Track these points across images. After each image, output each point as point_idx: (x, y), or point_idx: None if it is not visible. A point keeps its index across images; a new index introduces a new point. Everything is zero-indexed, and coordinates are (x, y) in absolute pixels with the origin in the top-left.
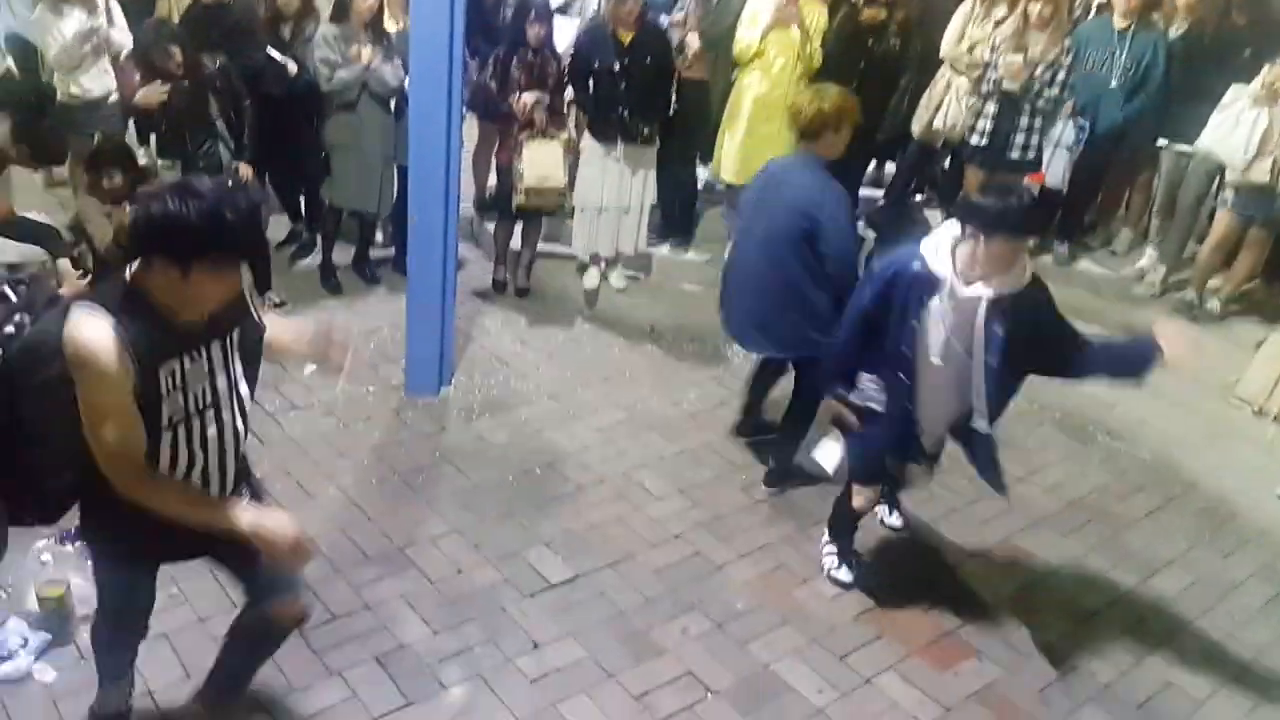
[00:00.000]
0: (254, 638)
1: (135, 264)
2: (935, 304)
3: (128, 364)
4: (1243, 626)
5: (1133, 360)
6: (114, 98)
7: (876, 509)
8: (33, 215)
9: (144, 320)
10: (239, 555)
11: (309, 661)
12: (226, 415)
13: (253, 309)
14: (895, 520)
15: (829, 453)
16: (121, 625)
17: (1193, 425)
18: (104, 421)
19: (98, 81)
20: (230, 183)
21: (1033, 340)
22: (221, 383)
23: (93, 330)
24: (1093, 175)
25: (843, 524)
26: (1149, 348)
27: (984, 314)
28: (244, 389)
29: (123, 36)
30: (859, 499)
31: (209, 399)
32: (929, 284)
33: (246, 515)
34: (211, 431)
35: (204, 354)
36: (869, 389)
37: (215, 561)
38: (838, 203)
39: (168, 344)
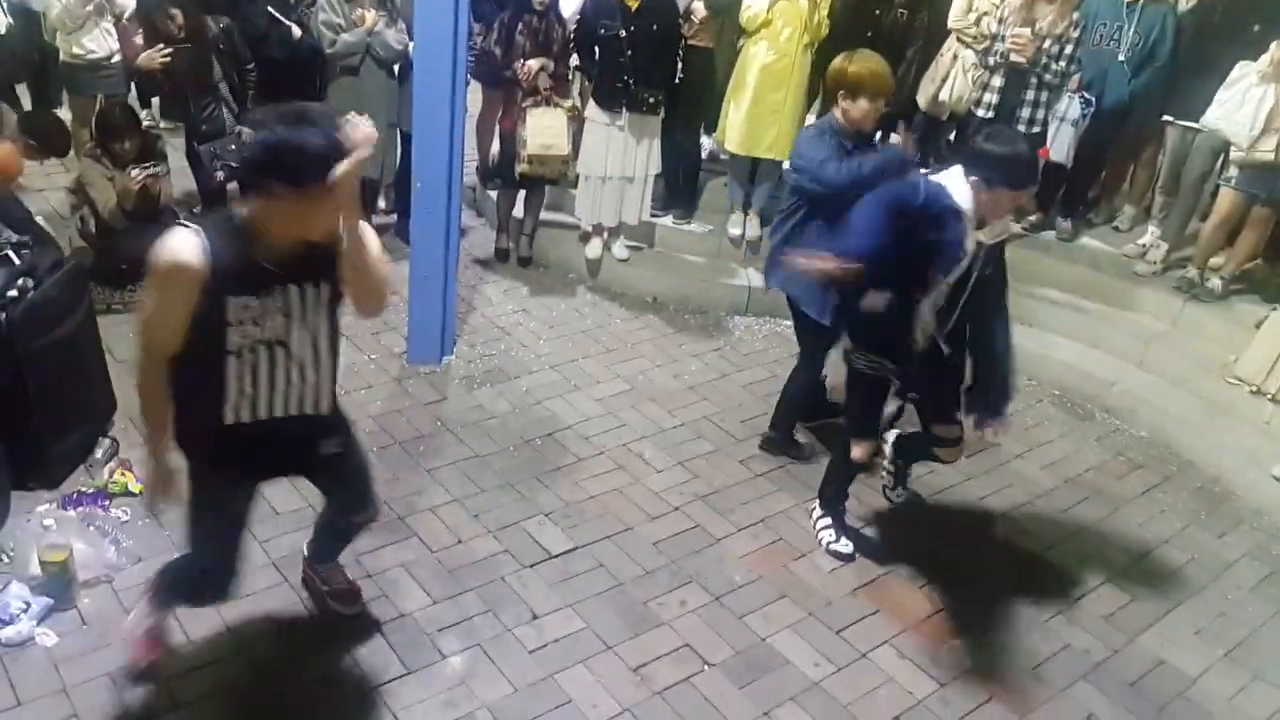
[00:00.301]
0: (337, 533)
1: (246, 198)
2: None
3: (204, 277)
4: (1236, 605)
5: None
6: (116, 58)
7: (883, 478)
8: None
9: (234, 250)
10: (330, 477)
11: (312, 627)
12: (297, 358)
13: (337, 267)
14: (898, 495)
15: None
16: (205, 577)
17: (1191, 404)
18: (150, 315)
19: (100, 42)
20: (233, 145)
21: (986, 291)
22: (296, 328)
23: (182, 241)
24: (1097, 151)
25: (837, 490)
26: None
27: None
28: (323, 341)
29: None
30: (858, 450)
31: (280, 338)
32: (963, 219)
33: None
34: (280, 371)
35: (283, 296)
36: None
37: (306, 478)
38: (806, 140)
39: (249, 276)
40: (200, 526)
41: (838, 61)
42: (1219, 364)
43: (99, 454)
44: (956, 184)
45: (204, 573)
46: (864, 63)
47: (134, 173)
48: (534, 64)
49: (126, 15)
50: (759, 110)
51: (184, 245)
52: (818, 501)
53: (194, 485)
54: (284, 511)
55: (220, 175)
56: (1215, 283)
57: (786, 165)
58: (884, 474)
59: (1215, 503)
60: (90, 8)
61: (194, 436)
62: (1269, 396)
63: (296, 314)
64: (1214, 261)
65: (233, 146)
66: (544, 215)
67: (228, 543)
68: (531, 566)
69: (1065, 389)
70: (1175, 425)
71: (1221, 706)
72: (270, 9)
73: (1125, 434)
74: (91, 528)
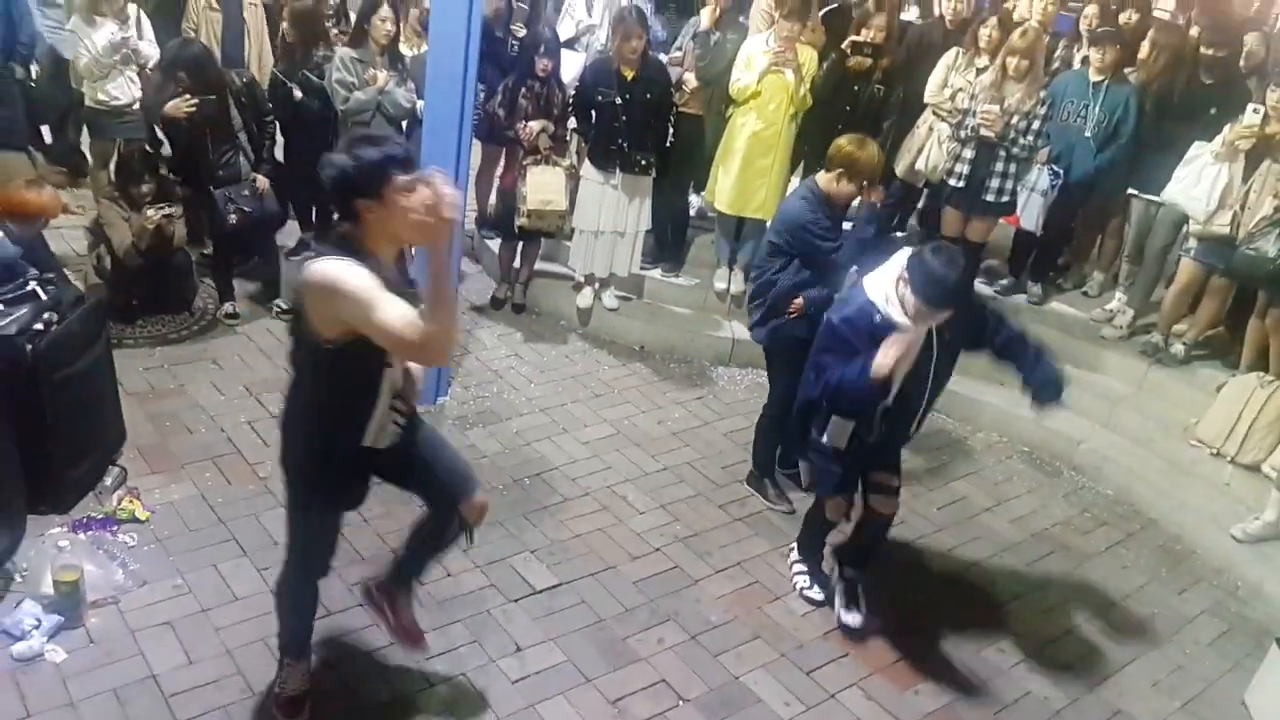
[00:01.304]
0: (439, 536)
1: (339, 223)
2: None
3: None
4: (1194, 659)
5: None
6: (137, 105)
7: (835, 603)
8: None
9: (373, 267)
10: (412, 471)
11: None
12: (398, 369)
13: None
14: (851, 619)
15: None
16: (313, 567)
17: (1154, 465)
18: (377, 310)
19: (124, 90)
20: (246, 191)
21: (970, 330)
22: None
23: (338, 261)
24: (1065, 220)
25: (813, 539)
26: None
27: (932, 334)
28: None
29: (150, 49)
30: (831, 508)
31: None
32: (889, 329)
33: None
34: (396, 381)
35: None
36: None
37: (389, 481)
38: (802, 210)
39: (390, 288)
40: (310, 550)
41: (848, 145)
42: (1181, 426)
43: (108, 481)
44: (886, 293)
45: (309, 575)
46: (871, 153)
47: (150, 213)
48: (535, 125)
49: (150, 65)
50: (748, 174)
51: (342, 261)
52: (795, 547)
53: (311, 511)
54: (282, 541)
55: (233, 219)
56: (1178, 348)
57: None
58: (806, 581)
59: (1176, 560)
60: (117, 58)
61: (327, 461)
62: (1228, 459)
63: None
64: (1177, 328)
65: (246, 192)
66: (538, 265)
67: (332, 546)
68: (517, 601)
69: (1034, 446)
70: (1139, 484)
71: None
72: (276, 71)
73: (1091, 491)
74: (101, 551)
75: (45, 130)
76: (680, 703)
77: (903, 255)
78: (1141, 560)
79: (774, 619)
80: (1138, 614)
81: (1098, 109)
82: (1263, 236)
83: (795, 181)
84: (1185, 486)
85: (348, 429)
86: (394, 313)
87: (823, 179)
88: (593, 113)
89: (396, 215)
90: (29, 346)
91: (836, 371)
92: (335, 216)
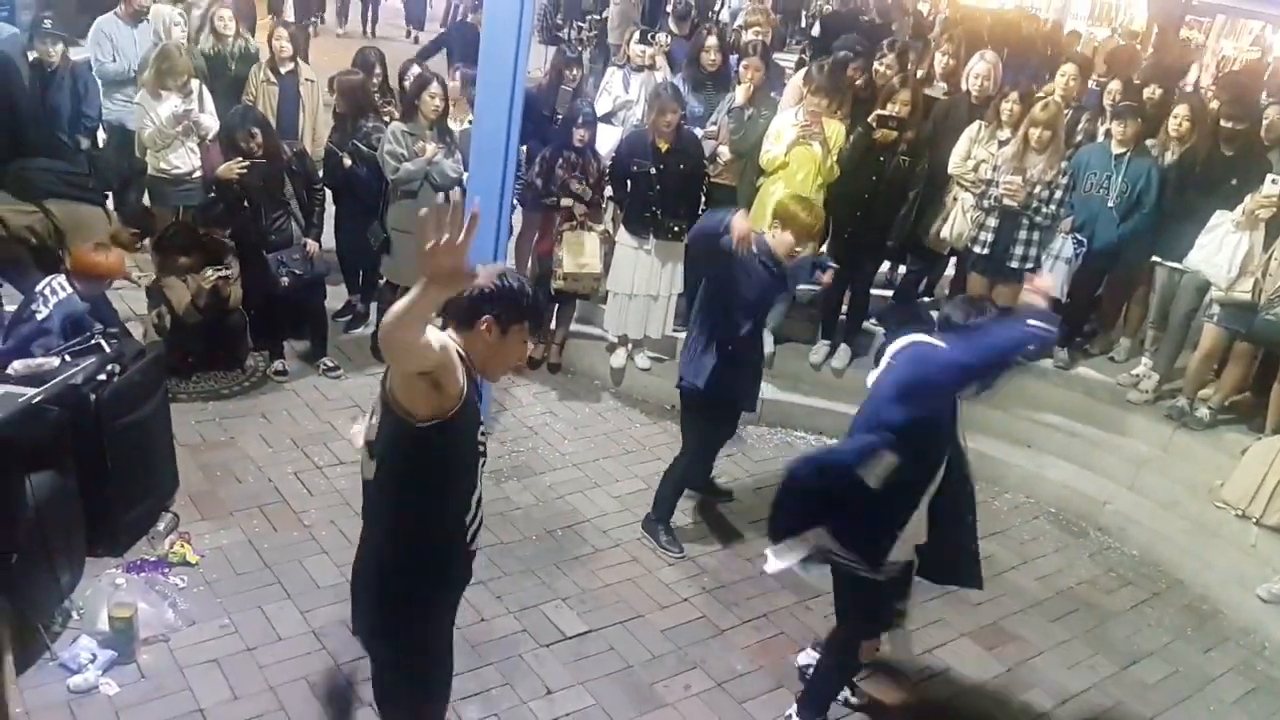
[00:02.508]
0: None
1: (457, 330)
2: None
3: (464, 382)
4: (1218, 717)
5: None
6: (197, 174)
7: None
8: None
9: (469, 370)
10: None
11: (344, 691)
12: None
13: None
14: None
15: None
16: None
17: (1179, 526)
18: (428, 345)
19: (184, 159)
20: (298, 255)
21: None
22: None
23: (445, 337)
24: (1091, 288)
25: (828, 698)
26: None
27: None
28: None
29: (211, 121)
30: (867, 649)
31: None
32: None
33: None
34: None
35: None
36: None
37: None
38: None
39: (476, 388)
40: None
41: (791, 203)
42: (1206, 488)
43: (161, 526)
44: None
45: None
46: (812, 214)
47: (207, 272)
48: (576, 192)
49: (210, 136)
50: None
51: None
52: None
53: (431, 654)
54: (325, 585)
55: (285, 281)
56: (1204, 412)
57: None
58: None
59: (1202, 620)
60: (179, 129)
61: (442, 588)
62: (1254, 520)
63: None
64: (1203, 393)
65: (297, 256)
66: (574, 327)
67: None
68: (548, 646)
69: (1060, 507)
70: (1164, 545)
71: None
72: (330, 143)
73: (1116, 551)
74: (153, 591)
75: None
76: None
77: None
78: (1166, 619)
79: (798, 667)
80: (1161, 671)
81: (1120, 180)
82: None
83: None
84: (1211, 547)
85: (457, 535)
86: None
87: (767, 230)
88: (628, 182)
89: (502, 352)
90: (93, 396)
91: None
92: (449, 314)
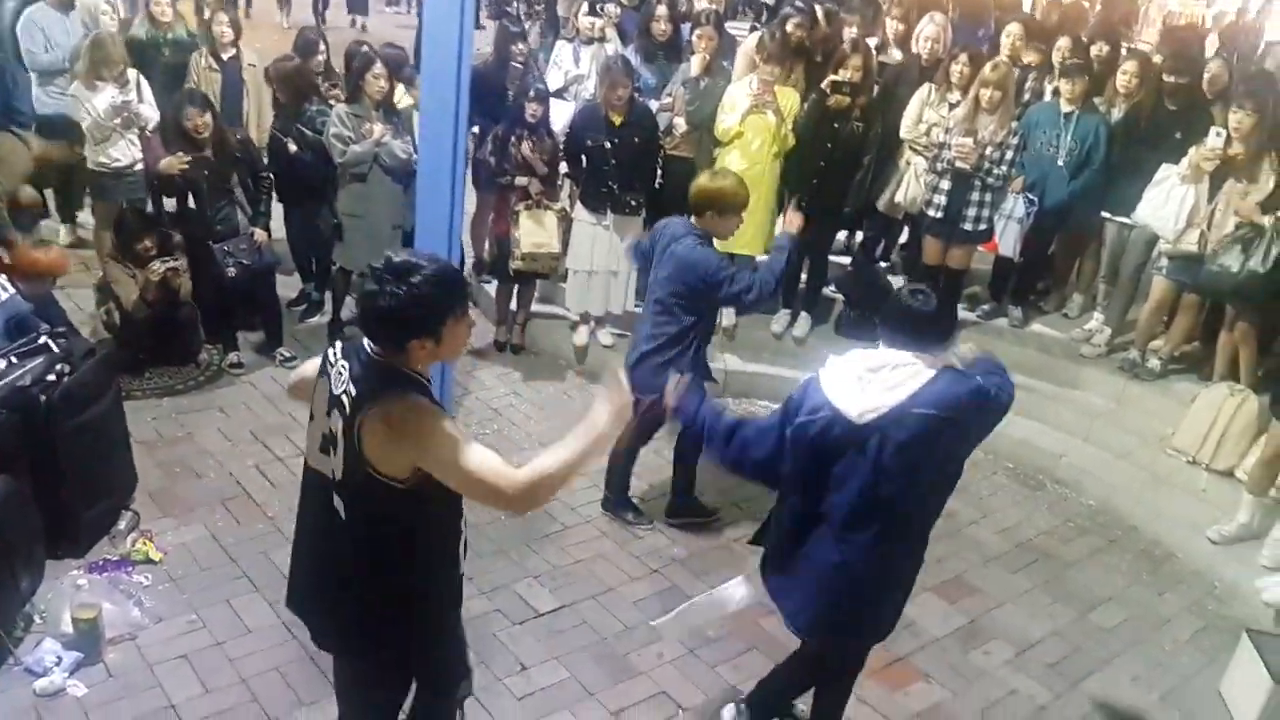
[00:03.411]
0: None
1: (384, 350)
2: None
3: None
4: (1172, 655)
5: None
6: (139, 166)
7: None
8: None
9: (429, 395)
10: None
11: (316, 679)
12: None
13: None
14: None
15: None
16: None
17: (1133, 475)
18: (470, 453)
19: (125, 152)
20: (244, 245)
21: None
22: None
23: (430, 404)
24: (1043, 246)
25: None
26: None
27: None
28: None
29: (150, 111)
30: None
31: None
32: None
33: (601, 420)
34: None
35: None
36: None
37: None
38: (684, 261)
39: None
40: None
41: (705, 182)
42: (1158, 437)
43: (122, 525)
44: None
45: None
46: (730, 181)
47: (154, 266)
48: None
49: (150, 127)
50: None
51: (428, 403)
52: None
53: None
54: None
55: (232, 272)
56: (1154, 363)
57: (760, 257)
58: None
59: (1156, 564)
60: (118, 121)
61: (445, 628)
62: (1204, 466)
63: None
64: (1153, 344)
65: (244, 246)
66: (535, 306)
67: None
68: (521, 623)
69: (1018, 461)
70: (1119, 493)
71: None
72: (273, 129)
73: (1073, 502)
74: (117, 590)
75: (49, 194)
76: (679, 711)
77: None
78: (1122, 565)
79: (769, 631)
80: (1118, 615)
81: (1069, 138)
82: (1226, 252)
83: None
84: (1163, 494)
85: (448, 566)
86: (486, 459)
87: (700, 225)
88: (583, 158)
89: (446, 348)
90: (42, 397)
91: None
92: (378, 343)
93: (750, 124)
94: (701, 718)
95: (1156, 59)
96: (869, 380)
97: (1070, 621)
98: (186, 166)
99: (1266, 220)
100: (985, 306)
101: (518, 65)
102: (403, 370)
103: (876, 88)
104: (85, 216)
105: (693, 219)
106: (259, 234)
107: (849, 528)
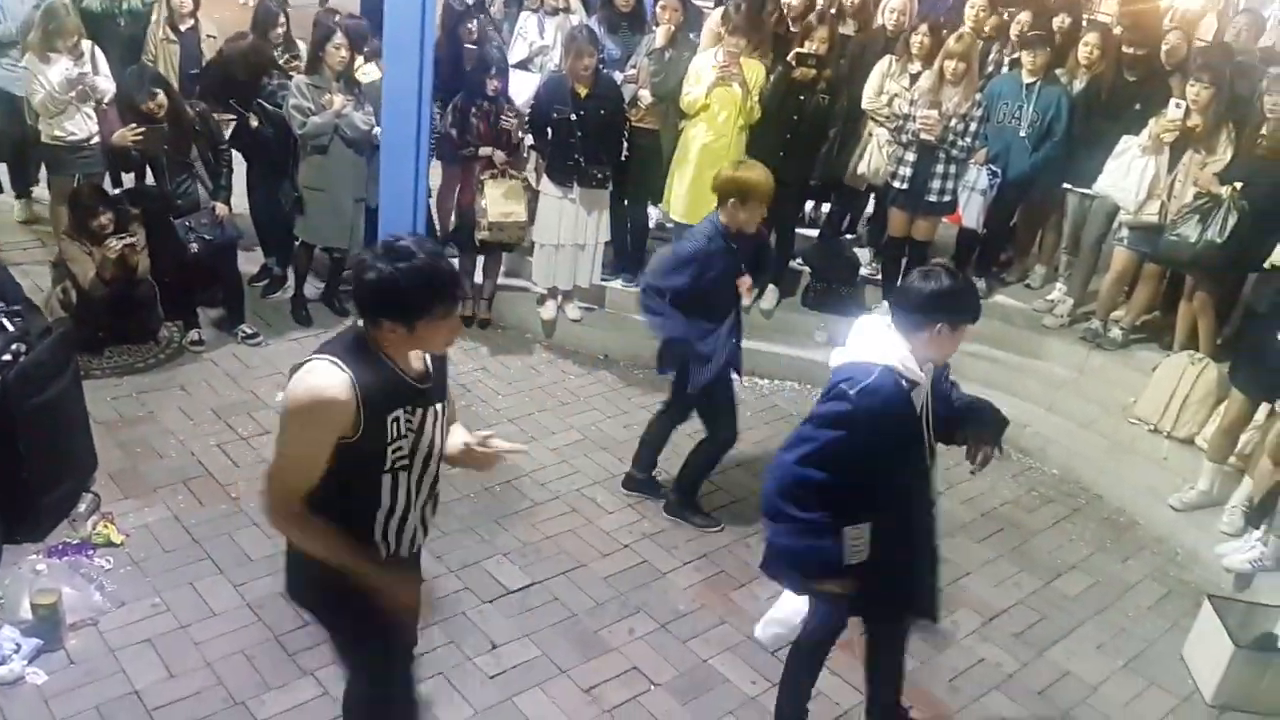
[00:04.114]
0: None
1: (363, 322)
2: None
3: (353, 406)
4: (1136, 622)
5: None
6: (95, 140)
7: None
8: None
9: (378, 371)
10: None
11: (284, 663)
12: (431, 470)
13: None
14: None
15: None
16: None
17: (1096, 443)
18: (289, 460)
19: (80, 125)
20: (206, 220)
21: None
22: (436, 441)
23: (329, 376)
24: (1006, 217)
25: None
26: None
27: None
28: (437, 455)
29: (106, 84)
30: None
31: (420, 453)
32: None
33: (383, 579)
34: (425, 482)
35: (425, 412)
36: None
37: None
38: (682, 246)
39: (399, 393)
40: (369, 651)
41: (731, 171)
42: (1120, 406)
43: (82, 508)
44: (902, 354)
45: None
46: (758, 173)
47: (111, 243)
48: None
49: (106, 100)
50: (700, 184)
51: (329, 380)
52: None
53: (353, 614)
54: (257, 558)
55: (194, 247)
56: (1116, 333)
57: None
58: None
59: (1119, 531)
60: (72, 94)
61: (336, 584)
62: (1165, 434)
63: (430, 428)
64: (1115, 314)
65: (205, 220)
66: (502, 280)
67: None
68: (491, 601)
69: None
70: (1082, 462)
71: (1119, 710)
72: (232, 102)
73: (1037, 471)
74: (78, 574)
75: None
76: (652, 687)
77: (886, 328)
78: (1086, 533)
79: (740, 604)
80: (1083, 583)
81: (1031, 109)
82: (1184, 223)
83: None
84: (1126, 462)
85: (365, 539)
86: (298, 466)
87: (722, 214)
88: (548, 130)
89: (422, 342)
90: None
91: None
92: (358, 312)
93: (716, 96)
94: (671, 691)
95: (1117, 30)
96: (850, 341)
97: (1035, 590)
98: (140, 139)
99: (1224, 191)
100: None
101: (471, 46)
102: (365, 345)
103: (842, 60)
104: (41, 191)
105: (716, 210)
106: (220, 208)
107: None
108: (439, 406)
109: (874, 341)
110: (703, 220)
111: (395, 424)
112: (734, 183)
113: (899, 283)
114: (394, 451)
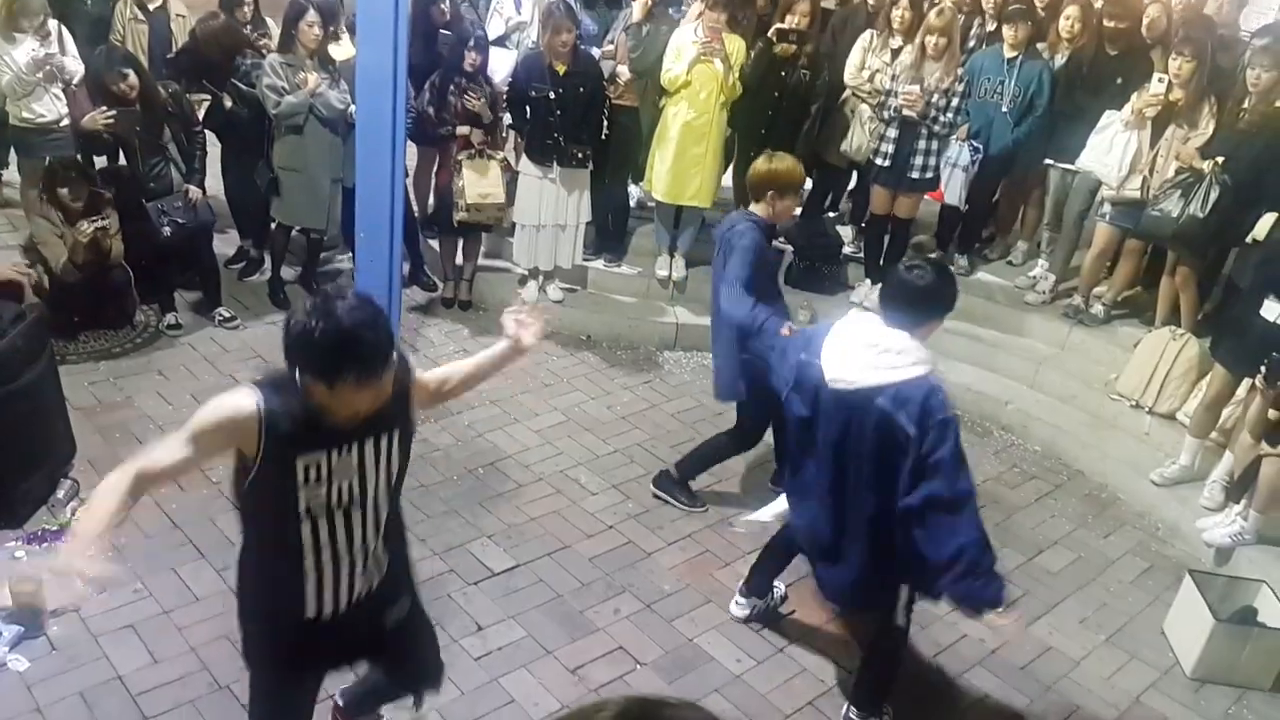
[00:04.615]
0: (388, 696)
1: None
2: None
3: (254, 437)
4: (1117, 596)
5: None
6: (65, 122)
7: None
8: None
9: (296, 412)
10: (396, 653)
11: None
12: (369, 512)
13: (410, 410)
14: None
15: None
16: None
17: (1078, 419)
18: (167, 441)
19: (49, 107)
20: (179, 203)
21: None
22: (370, 480)
23: (240, 405)
24: (988, 193)
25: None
26: None
27: None
28: (393, 487)
29: (75, 64)
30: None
31: (353, 495)
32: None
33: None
34: (356, 526)
35: (355, 450)
36: None
37: (370, 664)
38: (744, 250)
39: (314, 438)
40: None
41: (763, 165)
42: (1102, 382)
43: (60, 494)
44: (918, 350)
45: None
46: (788, 163)
47: (83, 225)
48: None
49: (75, 81)
50: (682, 163)
51: (236, 397)
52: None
53: (262, 691)
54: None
55: (167, 231)
56: (1098, 309)
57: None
58: None
59: (1102, 507)
60: (40, 75)
61: (267, 637)
62: (1147, 410)
63: (371, 466)
64: (1097, 290)
65: (179, 204)
66: (483, 261)
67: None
68: (476, 584)
69: (964, 409)
70: (1064, 438)
71: (1101, 684)
72: (205, 83)
73: (1019, 448)
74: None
75: None
76: (638, 666)
77: (856, 322)
78: (1069, 509)
79: (725, 583)
80: (1065, 558)
81: (1013, 84)
82: (1166, 198)
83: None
84: (1108, 438)
85: (280, 598)
86: (161, 450)
87: (760, 209)
88: (527, 108)
89: (342, 403)
90: None
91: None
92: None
93: (697, 73)
94: (657, 670)
95: (1097, 4)
96: (860, 353)
97: (1018, 565)
98: (111, 122)
99: (1206, 165)
100: (932, 255)
101: (445, 32)
102: (294, 382)
103: (823, 36)
104: (11, 174)
105: (751, 206)
106: (194, 191)
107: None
108: (386, 438)
109: (902, 351)
110: (733, 220)
111: (309, 470)
112: (772, 175)
113: (886, 276)
114: (309, 499)
